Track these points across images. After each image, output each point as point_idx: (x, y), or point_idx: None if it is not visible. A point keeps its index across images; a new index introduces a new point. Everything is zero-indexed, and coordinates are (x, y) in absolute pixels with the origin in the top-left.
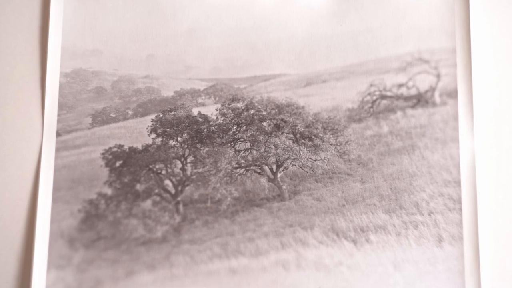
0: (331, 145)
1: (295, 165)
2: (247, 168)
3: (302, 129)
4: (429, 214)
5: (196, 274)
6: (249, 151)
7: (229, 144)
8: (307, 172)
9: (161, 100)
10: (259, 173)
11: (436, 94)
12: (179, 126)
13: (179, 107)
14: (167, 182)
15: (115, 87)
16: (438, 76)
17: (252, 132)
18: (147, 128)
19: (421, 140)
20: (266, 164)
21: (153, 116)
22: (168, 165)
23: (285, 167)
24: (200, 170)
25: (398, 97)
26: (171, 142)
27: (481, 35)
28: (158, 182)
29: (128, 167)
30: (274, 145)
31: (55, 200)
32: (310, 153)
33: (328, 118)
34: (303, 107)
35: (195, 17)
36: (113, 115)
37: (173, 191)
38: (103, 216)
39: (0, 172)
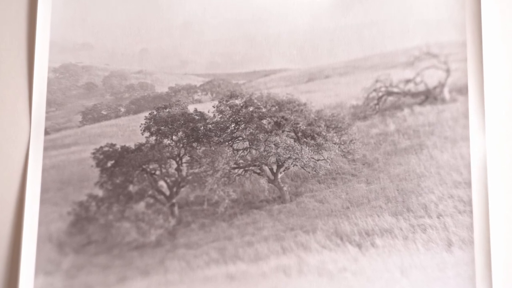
0: (334, 144)
1: (296, 165)
2: (246, 169)
3: (304, 127)
4: (438, 217)
5: (192, 280)
6: (248, 150)
7: (227, 143)
8: (309, 172)
9: (155, 96)
10: (258, 174)
11: (446, 90)
12: (174, 124)
13: (174, 104)
14: (162, 183)
15: (106, 83)
16: (448, 71)
17: (251, 130)
18: (140, 126)
19: (429, 139)
20: (266, 164)
21: (146, 114)
22: (163, 165)
23: (286, 168)
24: (196, 171)
25: (405, 94)
26: (166, 141)
27: (492, 28)
28: (152, 183)
29: (120, 168)
30: (274, 144)
31: (43, 202)
32: (312, 153)
33: (332, 115)
34: (305, 104)
35: (192, 9)
36: (105, 113)
37: (167, 193)
38: (93, 219)
39: None
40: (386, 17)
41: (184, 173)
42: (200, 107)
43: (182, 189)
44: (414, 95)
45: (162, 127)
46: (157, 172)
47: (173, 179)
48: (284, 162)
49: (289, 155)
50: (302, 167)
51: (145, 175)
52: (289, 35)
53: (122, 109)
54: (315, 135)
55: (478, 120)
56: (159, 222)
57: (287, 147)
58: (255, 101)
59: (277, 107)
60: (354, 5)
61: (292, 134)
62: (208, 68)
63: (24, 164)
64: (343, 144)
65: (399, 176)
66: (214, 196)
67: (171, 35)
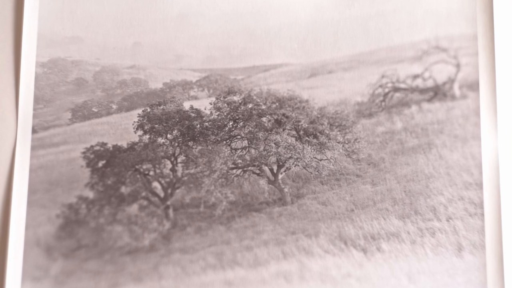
0: (338, 143)
1: (298, 166)
2: (245, 169)
3: (306, 125)
4: (447, 220)
5: (187, 286)
6: (247, 149)
7: (224, 142)
8: (311, 173)
9: (148, 92)
10: (258, 174)
11: (456, 86)
12: (169, 121)
13: (169, 101)
14: (156, 184)
15: (97, 79)
16: (458, 66)
17: (250, 128)
18: (133, 124)
19: (438, 138)
20: (266, 164)
21: (139, 111)
22: (157, 166)
23: (287, 168)
24: (192, 171)
25: (413, 90)
26: (160, 140)
27: (505, 20)
28: (146, 184)
29: (112, 168)
30: (274, 143)
31: (30, 204)
32: (314, 152)
33: (335, 113)
34: (307, 101)
35: (187, 0)
36: (95, 110)
37: (162, 195)
38: (84, 222)
39: None
40: (393, 8)
41: (179, 173)
42: (196, 104)
43: (177, 191)
44: (422, 91)
45: (156, 125)
46: (151, 173)
47: (167, 180)
48: (285, 162)
49: (290, 155)
50: (304, 168)
51: (138, 176)
52: (291, 28)
53: (114, 106)
54: (318, 134)
55: (489, 117)
56: (153, 225)
57: (288, 146)
58: (255, 97)
59: (277, 104)
60: None
61: (294, 132)
62: (204, 62)
63: (11, 164)
64: (347, 143)
65: (406, 177)
66: (211, 198)
67: (165, 28)
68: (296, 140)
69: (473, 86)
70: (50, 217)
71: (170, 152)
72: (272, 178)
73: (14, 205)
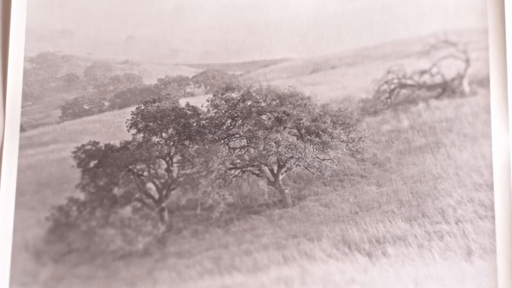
0: (341, 142)
1: (299, 166)
2: (244, 169)
3: (308, 124)
4: (456, 223)
5: None
6: (246, 149)
7: (222, 141)
8: (313, 173)
9: (142, 89)
10: (257, 175)
11: (465, 82)
12: (164, 119)
13: (164, 98)
14: (150, 185)
15: (88, 74)
16: (467, 61)
17: (250, 127)
18: (126, 122)
19: (447, 136)
20: (266, 165)
21: (133, 108)
22: (151, 166)
23: (288, 168)
24: (188, 172)
25: (420, 86)
26: (155, 139)
27: None
28: (139, 186)
29: (104, 168)
30: (275, 142)
31: (18, 206)
32: (317, 152)
33: (338, 110)
34: (309, 98)
35: None
36: (87, 107)
37: (156, 196)
38: (74, 225)
39: None
40: (398, 1)
41: (175, 174)
42: (193, 101)
43: (173, 192)
44: (430, 87)
45: (151, 123)
46: (145, 173)
47: (162, 181)
48: (285, 162)
49: (291, 154)
50: (306, 168)
51: (131, 177)
52: (292, 21)
53: (106, 103)
54: (320, 132)
55: (500, 115)
56: (147, 228)
57: (289, 145)
58: (254, 94)
59: (278, 101)
60: None
61: (295, 131)
62: (201, 57)
63: None
64: (351, 142)
65: (413, 178)
66: (208, 200)
67: (160, 22)
68: (297, 139)
69: (483, 82)
70: (39, 219)
71: (165, 152)
72: (272, 179)
73: (1, 207)
